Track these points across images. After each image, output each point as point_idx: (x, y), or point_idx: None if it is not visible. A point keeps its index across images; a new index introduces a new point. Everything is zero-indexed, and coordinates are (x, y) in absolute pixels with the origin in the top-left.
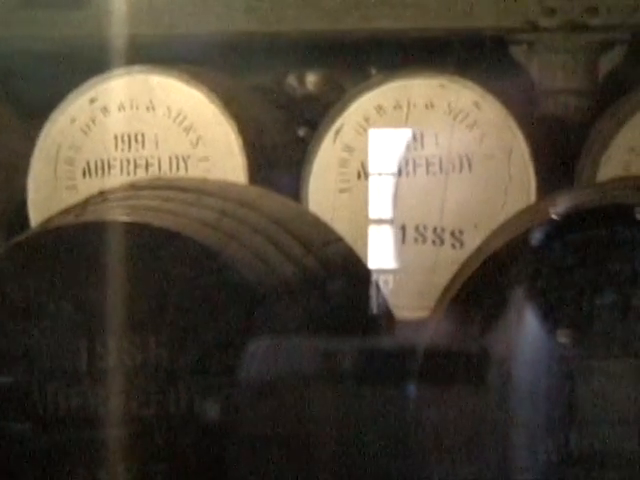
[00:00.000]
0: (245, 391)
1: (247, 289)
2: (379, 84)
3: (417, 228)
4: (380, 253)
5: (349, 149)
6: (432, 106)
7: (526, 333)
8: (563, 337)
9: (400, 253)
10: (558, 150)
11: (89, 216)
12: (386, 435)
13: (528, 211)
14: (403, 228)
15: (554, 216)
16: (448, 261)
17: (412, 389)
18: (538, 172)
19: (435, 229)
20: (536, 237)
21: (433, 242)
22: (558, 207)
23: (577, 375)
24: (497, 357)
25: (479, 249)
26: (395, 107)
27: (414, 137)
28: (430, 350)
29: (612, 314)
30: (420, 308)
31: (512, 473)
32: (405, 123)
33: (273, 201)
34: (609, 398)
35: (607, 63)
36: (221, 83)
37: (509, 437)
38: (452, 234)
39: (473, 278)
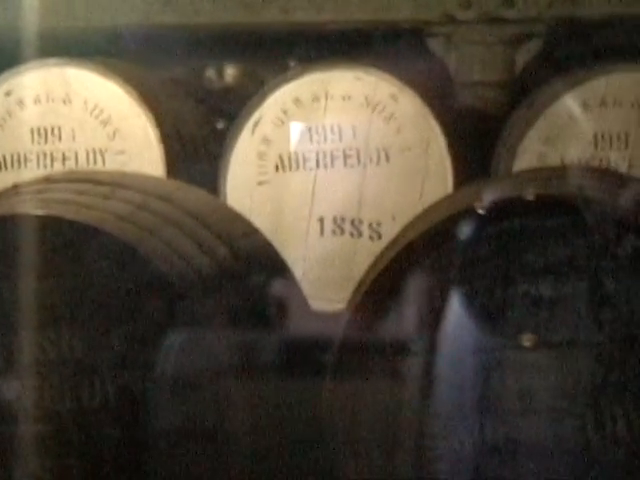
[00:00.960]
0: (163, 385)
1: (162, 283)
2: (297, 76)
3: (335, 220)
4: (298, 245)
5: (267, 142)
6: (349, 98)
7: (441, 324)
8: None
9: (318, 245)
10: (475, 142)
11: (1, 209)
12: (302, 428)
13: (444, 202)
14: (321, 220)
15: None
16: (366, 253)
17: None
18: (455, 164)
19: (353, 221)
20: (451, 228)
21: (351, 234)
22: (476, 199)
23: (491, 365)
24: (412, 348)
25: (394, 240)
26: (313, 99)
27: (332, 129)
28: (345, 342)
29: (524, 305)
30: (338, 300)
31: (427, 463)
32: (323, 115)
33: (189, 194)
34: (523, 388)
35: (524, 55)
36: (138, 76)
37: (424, 427)
38: (370, 226)
39: (388, 269)
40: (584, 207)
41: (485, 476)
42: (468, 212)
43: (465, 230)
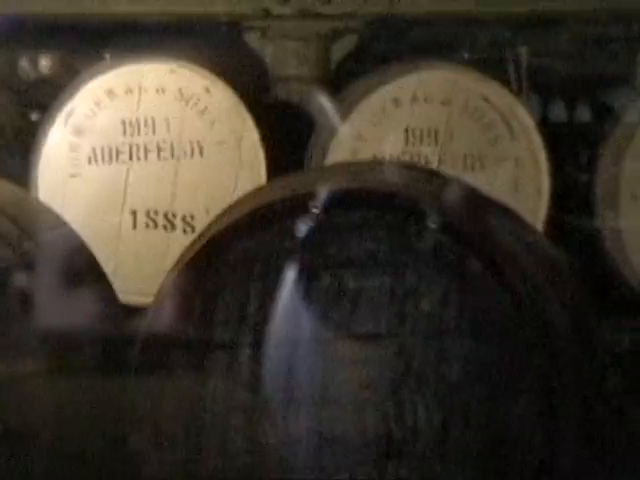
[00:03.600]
0: None
1: None
2: (110, 68)
3: (148, 213)
4: (111, 239)
5: (80, 133)
6: (163, 91)
7: (246, 317)
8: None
9: (131, 239)
10: (289, 136)
11: None
12: (107, 426)
13: (251, 196)
14: (134, 213)
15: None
16: (179, 246)
17: None
18: (269, 158)
19: (166, 214)
20: (255, 222)
21: (164, 227)
22: (284, 192)
23: (295, 357)
24: (217, 341)
25: (202, 233)
26: (126, 91)
27: (145, 122)
28: (148, 337)
29: (327, 297)
30: (151, 294)
31: (231, 457)
32: (136, 108)
33: None
34: (326, 379)
35: (339, 51)
36: None
37: (228, 421)
38: (183, 219)
39: (193, 262)
40: (388, 201)
41: (289, 468)
42: (272, 206)
43: (269, 223)
